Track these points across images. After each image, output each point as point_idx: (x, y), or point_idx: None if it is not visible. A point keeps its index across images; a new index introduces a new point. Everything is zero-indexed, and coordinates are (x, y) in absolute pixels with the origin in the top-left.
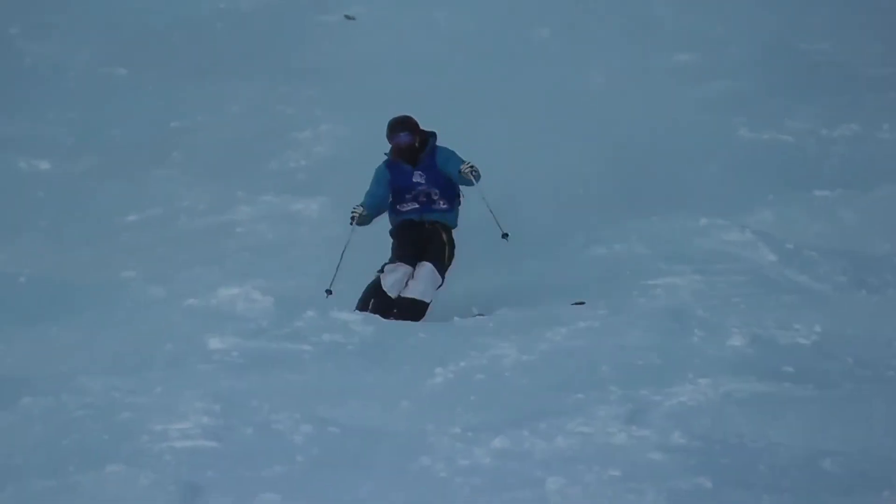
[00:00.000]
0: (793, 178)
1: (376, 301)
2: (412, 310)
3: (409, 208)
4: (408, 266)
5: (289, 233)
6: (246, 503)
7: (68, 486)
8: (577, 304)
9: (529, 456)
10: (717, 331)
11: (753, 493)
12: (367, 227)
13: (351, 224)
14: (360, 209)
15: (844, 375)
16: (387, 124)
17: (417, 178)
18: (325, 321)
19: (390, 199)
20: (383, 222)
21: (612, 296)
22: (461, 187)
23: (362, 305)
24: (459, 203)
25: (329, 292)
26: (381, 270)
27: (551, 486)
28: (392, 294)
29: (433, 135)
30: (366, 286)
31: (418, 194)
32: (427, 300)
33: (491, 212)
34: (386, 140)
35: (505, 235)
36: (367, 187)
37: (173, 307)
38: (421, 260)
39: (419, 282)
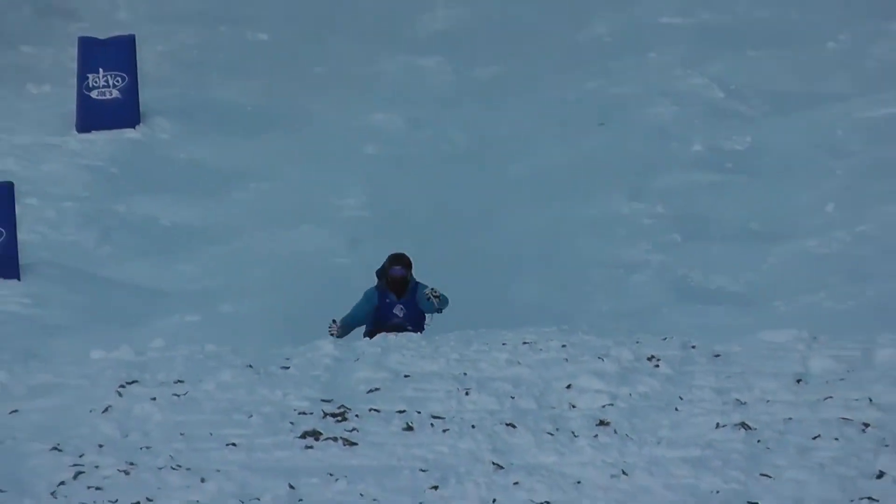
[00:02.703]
0: None
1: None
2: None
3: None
4: None
5: None
6: None
7: None
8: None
9: None
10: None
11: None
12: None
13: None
14: (336, 328)
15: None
16: (387, 257)
17: (398, 311)
18: None
19: (370, 320)
20: None
21: None
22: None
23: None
24: (425, 328)
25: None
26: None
27: None
28: None
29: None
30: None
31: (395, 326)
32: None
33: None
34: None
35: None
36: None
37: None
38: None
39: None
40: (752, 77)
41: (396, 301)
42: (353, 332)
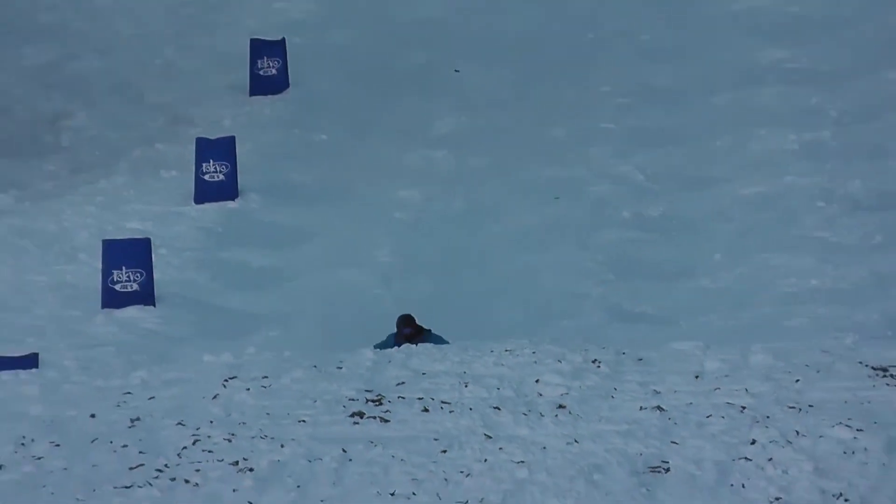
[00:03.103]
0: None
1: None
2: None
3: None
4: None
5: None
6: None
7: None
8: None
9: None
10: None
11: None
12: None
13: None
14: None
15: None
16: (398, 318)
17: None
18: None
19: None
20: None
21: None
22: None
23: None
24: None
25: None
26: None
27: None
28: None
29: (429, 330)
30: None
31: None
32: None
33: None
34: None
35: None
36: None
37: None
38: None
39: None
40: (664, 165)
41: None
42: None
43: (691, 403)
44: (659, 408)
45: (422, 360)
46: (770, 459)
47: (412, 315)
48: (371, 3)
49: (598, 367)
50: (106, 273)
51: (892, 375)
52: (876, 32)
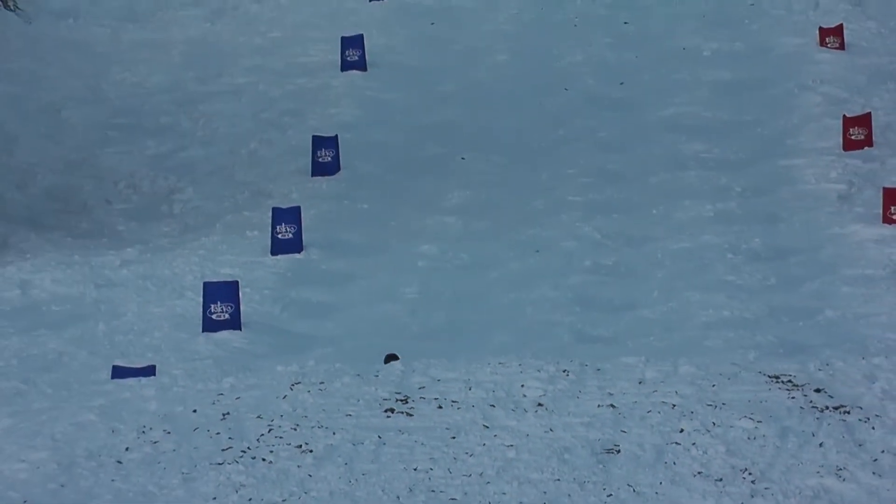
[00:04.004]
0: None
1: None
2: None
3: None
4: None
5: None
6: None
7: None
8: None
9: None
10: None
11: (594, 312)
12: None
13: None
14: None
15: None
16: (385, 357)
17: None
18: None
19: None
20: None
21: None
22: None
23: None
24: None
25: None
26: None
27: None
28: None
29: None
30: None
31: None
32: None
33: None
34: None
35: None
36: None
37: None
38: None
39: None
40: (615, 227)
41: None
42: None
43: (636, 402)
44: (612, 405)
45: (437, 370)
46: (693, 444)
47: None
48: (401, 110)
49: (567, 375)
50: (205, 306)
51: (782, 381)
52: (769, 131)
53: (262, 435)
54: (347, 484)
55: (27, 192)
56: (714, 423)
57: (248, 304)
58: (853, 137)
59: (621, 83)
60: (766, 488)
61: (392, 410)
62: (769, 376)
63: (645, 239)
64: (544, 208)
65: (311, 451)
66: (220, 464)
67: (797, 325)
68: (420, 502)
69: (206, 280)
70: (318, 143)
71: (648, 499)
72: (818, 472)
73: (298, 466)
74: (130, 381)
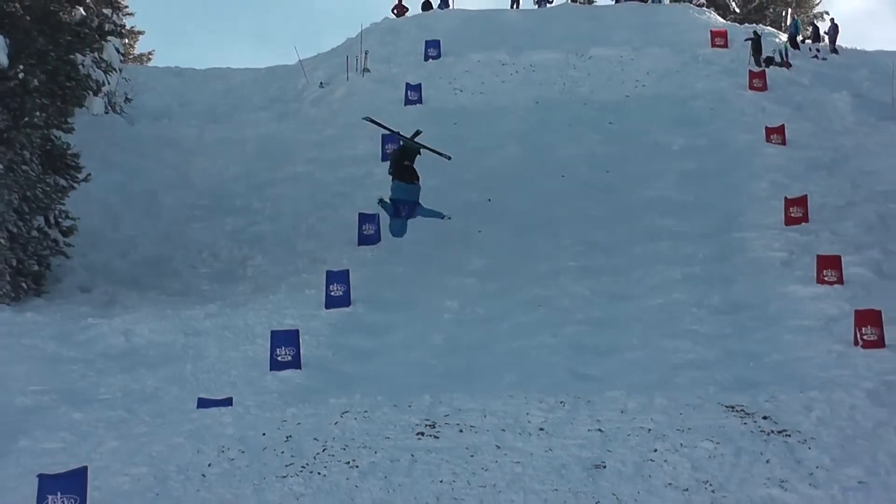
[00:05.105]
0: None
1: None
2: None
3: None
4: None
5: None
6: None
7: None
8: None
9: None
10: None
11: (583, 355)
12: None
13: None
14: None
15: None
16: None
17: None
18: None
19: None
20: None
21: None
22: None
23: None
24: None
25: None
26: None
27: None
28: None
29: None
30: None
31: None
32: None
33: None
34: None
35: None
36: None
37: None
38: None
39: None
40: (603, 288)
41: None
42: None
43: (619, 427)
44: (600, 430)
45: (459, 402)
46: (665, 461)
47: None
48: (430, 192)
49: (564, 406)
50: (272, 350)
51: (737, 411)
52: (725, 210)
53: (318, 454)
54: (386, 494)
55: (129, 260)
56: (682, 444)
57: (306, 349)
58: (793, 215)
59: (607, 171)
60: (724, 497)
61: (422, 434)
62: (726, 406)
63: (626, 297)
64: (545, 272)
65: (357, 467)
66: (283, 477)
67: (748, 365)
68: None
69: (273, 329)
70: (364, 219)
71: None
72: (766, 484)
73: (347, 479)
74: (212, 410)
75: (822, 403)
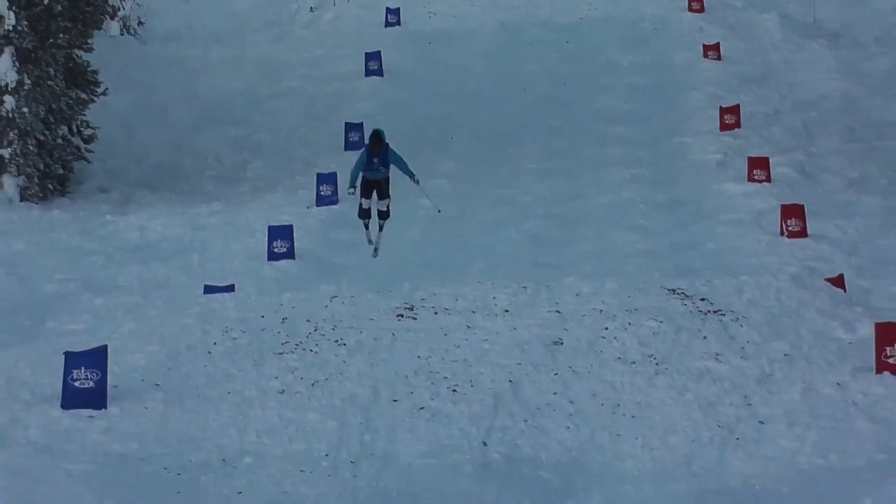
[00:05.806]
0: None
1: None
2: (385, 215)
3: (369, 171)
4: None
5: None
6: None
7: None
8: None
9: None
10: None
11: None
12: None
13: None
14: (353, 190)
15: None
16: (371, 132)
17: (375, 161)
18: None
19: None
20: None
21: None
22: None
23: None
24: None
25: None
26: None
27: None
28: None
29: (387, 144)
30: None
31: (374, 175)
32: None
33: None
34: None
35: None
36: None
37: None
38: (378, 195)
39: (383, 203)
40: (560, 187)
41: (375, 156)
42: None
43: (575, 309)
44: (558, 311)
45: (434, 288)
46: (615, 338)
47: (381, 134)
48: (408, 105)
49: (526, 290)
50: (270, 243)
51: (677, 293)
52: (668, 119)
53: (310, 333)
54: (370, 367)
55: (143, 165)
56: (630, 323)
57: (300, 242)
58: (727, 122)
59: (564, 84)
60: (665, 368)
61: (402, 316)
62: (668, 290)
63: (581, 195)
64: (509, 174)
65: (344, 345)
66: (280, 354)
67: (688, 254)
68: (422, 380)
69: (270, 224)
70: (349, 127)
71: (583, 377)
72: (703, 357)
73: (335, 355)
74: (217, 296)
75: (751, 286)
